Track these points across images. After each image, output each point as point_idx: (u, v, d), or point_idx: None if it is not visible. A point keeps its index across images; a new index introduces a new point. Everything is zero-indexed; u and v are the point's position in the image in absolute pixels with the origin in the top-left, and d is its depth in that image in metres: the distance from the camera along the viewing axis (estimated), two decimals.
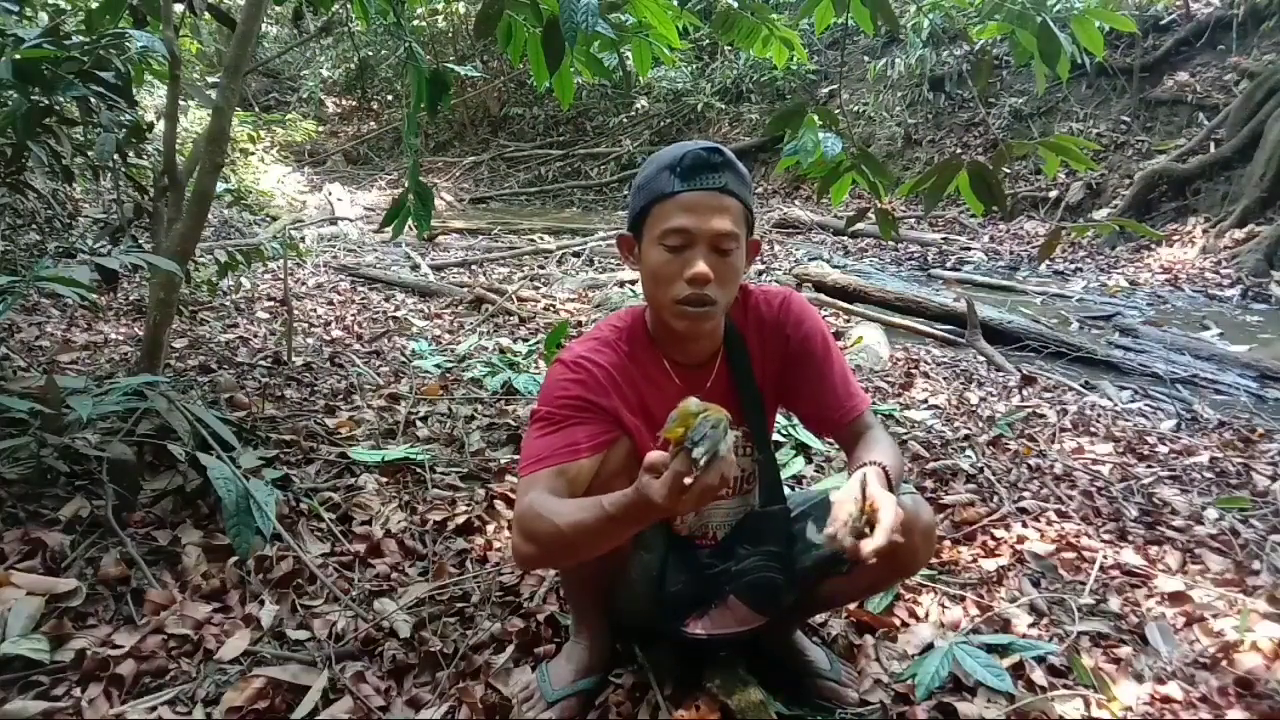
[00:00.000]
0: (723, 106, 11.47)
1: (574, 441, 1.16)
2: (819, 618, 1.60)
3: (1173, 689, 1.43)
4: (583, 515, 1.05)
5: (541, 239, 7.45)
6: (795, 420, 2.46)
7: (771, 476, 1.37)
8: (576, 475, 1.15)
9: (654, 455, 0.97)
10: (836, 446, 2.35)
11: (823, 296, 5.02)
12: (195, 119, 6.58)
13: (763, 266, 6.16)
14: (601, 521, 1.04)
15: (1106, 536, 2.03)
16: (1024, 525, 2.06)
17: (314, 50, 13.90)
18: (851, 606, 1.62)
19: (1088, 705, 1.39)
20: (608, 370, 1.22)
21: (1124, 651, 1.54)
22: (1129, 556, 1.91)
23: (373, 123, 14.34)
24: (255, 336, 3.50)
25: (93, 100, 2.01)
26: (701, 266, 1.13)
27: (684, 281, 1.15)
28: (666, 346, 1.29)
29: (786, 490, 1.40)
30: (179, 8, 2.35)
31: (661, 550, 1.35)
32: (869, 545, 0.98)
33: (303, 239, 6.43)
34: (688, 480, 0.92)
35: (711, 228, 1.14)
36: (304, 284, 4.97)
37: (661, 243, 1.16)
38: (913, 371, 3.54)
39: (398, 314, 4.31)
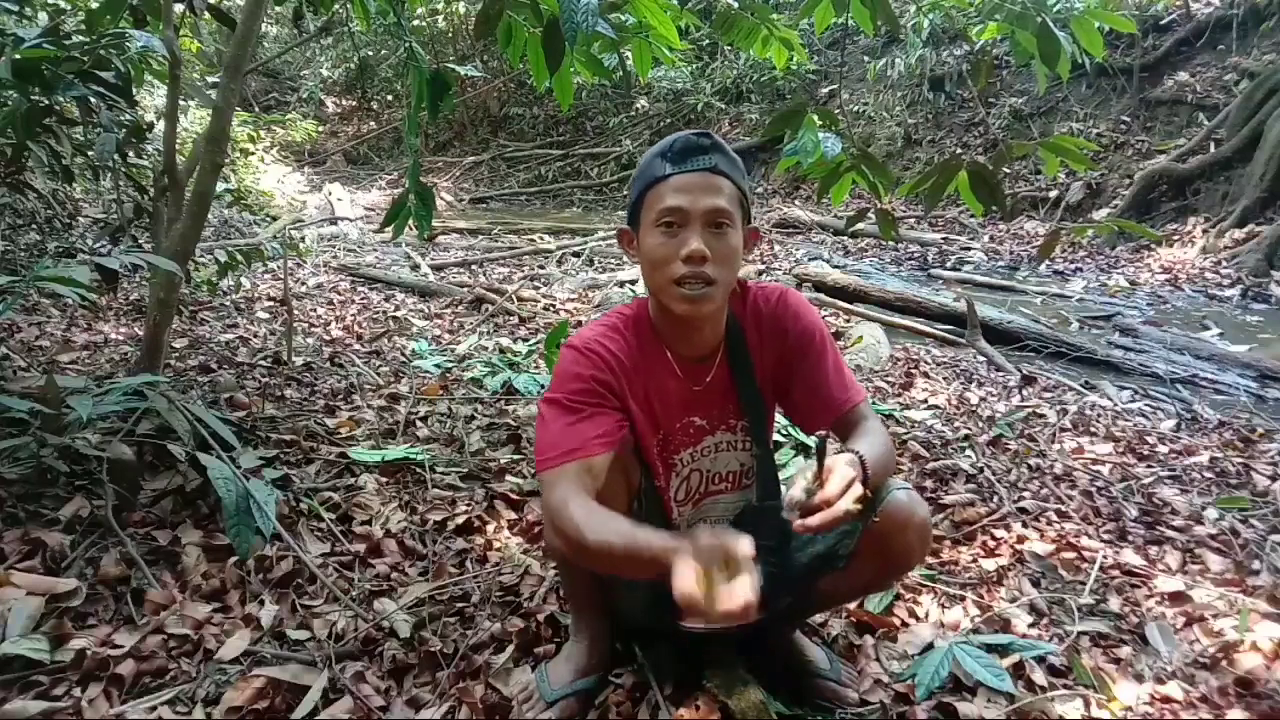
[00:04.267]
0: (723, 106, 11.46)
1: (594, 434, 1.16)
2: (819, 618, 1.60)
3: (1173, 689, 1.43)
4: (612, 540, 1.04)
5: (541, 239, 7.45)
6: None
7: (769, 472, 1.37)
8: (600, 469, 1.15)
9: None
10: None
11: (823, 296, 5.02)
12: (195, 119, 6.57)
13: (763, 267, 6.16)
14: (629, 551, 1.02)
15: (1106, 536, 2.03)
16: (1024, 525, 2.06)
17: (314, 50, 13.91)
18: (851, 606, 1.62)
19: (1088, 705, 1.39)
20: (618, 356, 1.23)
21: (1124, 651, 1.54)
22: (1129, 556, 1.91)
23: (373, 123, 14.33)
24: (255, 336, 3.50)
25: (93, 100, 2.01)
26: (696, 243, 1.14)
27: (680, 261, 1.15)
28: (669, 338, 1.29)
29: (783, 488, 1.39)
30: (179, 8, 2.35)
31: None
32: (814, 519, 0.97)
33: (303, 239, 6.42)
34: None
35: (704, 205, 1.16)
36: (304, 284, 4.96)
37: (656, 225, 1.17)
38: (913, 371, 3.54)
39: (398, 314, 4.30)
